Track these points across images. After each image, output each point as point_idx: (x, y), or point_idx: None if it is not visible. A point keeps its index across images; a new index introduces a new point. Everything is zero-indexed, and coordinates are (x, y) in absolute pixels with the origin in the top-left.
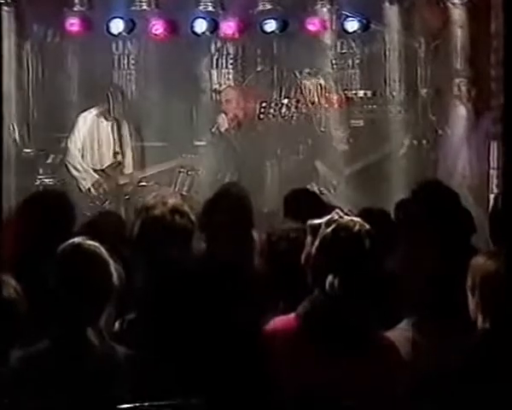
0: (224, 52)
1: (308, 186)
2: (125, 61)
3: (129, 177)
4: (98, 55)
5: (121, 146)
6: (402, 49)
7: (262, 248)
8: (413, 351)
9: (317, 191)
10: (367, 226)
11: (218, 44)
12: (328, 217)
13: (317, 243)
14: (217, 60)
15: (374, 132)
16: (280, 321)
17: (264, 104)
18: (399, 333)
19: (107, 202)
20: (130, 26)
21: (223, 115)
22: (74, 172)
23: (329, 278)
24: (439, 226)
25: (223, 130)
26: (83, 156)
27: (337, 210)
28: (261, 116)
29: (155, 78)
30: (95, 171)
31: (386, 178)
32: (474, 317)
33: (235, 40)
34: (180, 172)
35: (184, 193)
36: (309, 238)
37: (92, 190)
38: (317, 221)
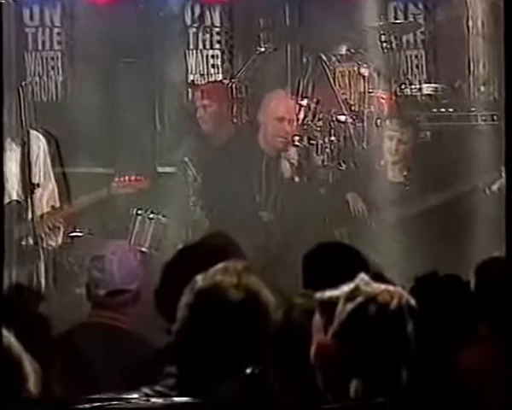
0: (207, 23)
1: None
2: (46, 39)
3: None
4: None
5: (39, 174)
6: (494, 19)
7: None
8: None
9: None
10: (411, 300)
11: (196, 11)
12: (350, 286)
13: (333, 326)
14: (195, 36)
15: (446, 151)
16: None
17: None
18: None
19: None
20: None
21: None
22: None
23: (354, 382)
24: None
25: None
26: None
27: (362, 275)
28: None
29: (95, 65)
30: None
31: (463, 225)
32: None
33: (222, 4)
34: (137, 214)
35: (144, 249)
36: (318, 320)
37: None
38: (330, 293)
